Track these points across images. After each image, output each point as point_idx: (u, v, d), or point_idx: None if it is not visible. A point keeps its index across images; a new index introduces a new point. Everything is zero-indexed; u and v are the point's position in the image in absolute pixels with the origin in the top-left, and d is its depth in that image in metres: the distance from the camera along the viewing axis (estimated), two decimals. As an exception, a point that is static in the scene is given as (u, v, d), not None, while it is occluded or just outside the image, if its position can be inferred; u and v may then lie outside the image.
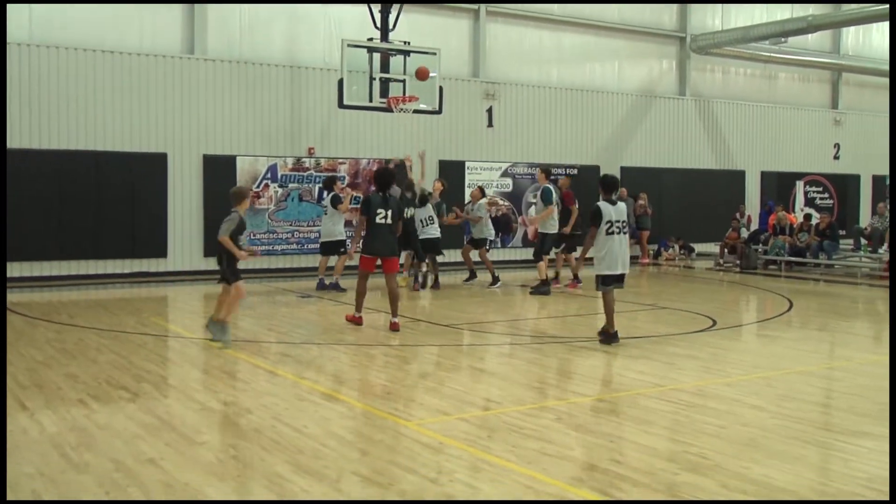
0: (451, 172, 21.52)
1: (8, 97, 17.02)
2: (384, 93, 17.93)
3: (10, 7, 17.12)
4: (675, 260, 24.55)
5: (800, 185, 28.11)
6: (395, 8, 18.53)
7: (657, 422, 7.39)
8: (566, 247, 17.41)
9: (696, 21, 26.34)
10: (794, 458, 6.34)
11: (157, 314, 14.22)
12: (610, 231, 10.80)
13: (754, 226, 25.18)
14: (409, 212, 15.98)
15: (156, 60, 18.61)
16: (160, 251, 18.73)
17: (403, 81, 18.01)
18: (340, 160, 20.51)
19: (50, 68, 17.56)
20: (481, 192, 18.41)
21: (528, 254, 18.66)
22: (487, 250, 17.99)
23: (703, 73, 26.96)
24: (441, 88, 18.52)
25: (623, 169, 23.86)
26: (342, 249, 16.34)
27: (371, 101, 17.91)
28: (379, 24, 18.44)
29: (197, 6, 19.11)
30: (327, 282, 16.51)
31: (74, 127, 17.83)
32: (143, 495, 5.48)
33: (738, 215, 24.53)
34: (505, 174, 22.85)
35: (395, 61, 18.05)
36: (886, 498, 5.52)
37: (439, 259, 17.49)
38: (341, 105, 17.86)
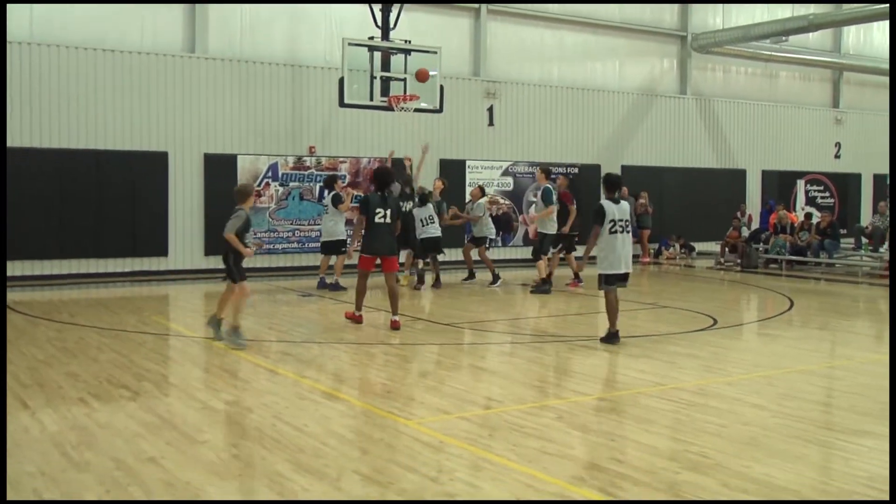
0: (452, 171, 21.52)
1: (9, 96, 17.02)
2: (385, 92, 17.94)
3: (11, 6, 17.13)
4: (675, 259, 24.54)
5: (801, 184, 28.09)
6: (395, 7, 18.55)
7: (658, 421, 7.39)
8: (564, 247, 17.38)
9: (697, 20, 26.33)
10: (796, 457, 6.34)
11: (157, 313, 14.22)
12: (613, 230, 10.77)
13: (755, 225, 25.17)
14: (406, 206, 16.08)
15: (157, 59, 18.61)
16: (161, 250, 18.73)
17: (404, 80, 18.03)
18: (341, 159, 20.50)
19: (51, 67, 17.56)
20: (481, 191, 18.40)
21: (528, 252, 18.64)
22: (487, 249, 17.99)
23: (704, 72, 26.94)
24: (442, 87, 18.52)
25: (624, 168, 23.85)
26: (343, 249, 16.34)
27: (372, 99, 17.92)
28: (380, 23, 18.45)
29: (198, 5, 19.09)
30: (328, 281, 16.51)
31: (75, 125, 17.83)
32: (143, 494, 5.48)
33: (738, 214, 24.51)
34: (506, 173, 22.84)
35: (396, 60, 18.06)
36: (887, 497, 5.52)
37: (440, 258, 17.48)
38: (342, 104, 17.86)
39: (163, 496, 5.45)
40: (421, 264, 17.15)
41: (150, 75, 18.49)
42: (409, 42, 18.27)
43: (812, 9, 26.18)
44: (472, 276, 17.92)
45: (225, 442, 6.65)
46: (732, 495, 5.54)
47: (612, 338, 10.85)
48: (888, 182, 26.79)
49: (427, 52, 18.33)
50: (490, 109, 22.57)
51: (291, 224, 19.95)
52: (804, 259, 21.85)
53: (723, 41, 25.65)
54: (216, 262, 18.83)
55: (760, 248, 22.79)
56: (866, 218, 27.46)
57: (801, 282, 19.68)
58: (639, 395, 8.43)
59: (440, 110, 18.89)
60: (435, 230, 16.72)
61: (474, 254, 18.00)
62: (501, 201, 22.76)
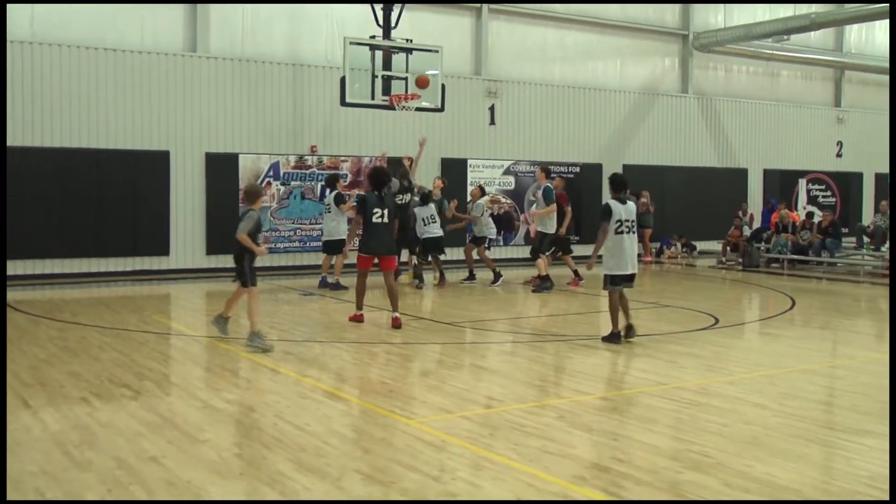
0: (453, 170, 21.52)
1: (10, 95, 17.04)
2: (386, 91, 17.94)
3: (12, 6, 17.14)
4: (677, 258, 24.52)
5: (802, 182, 28.07)
6: (397, 6, 18.54)
7: (660, 420, 7.39)
8: (559, 248, 17.36)
9: (698, 19, 26.31)
10: (797, 457, 6.33)
11: (159, 312, 14.22)
12: (619, 230, 10.76)
13: (757, 224, 25.16)
14: (405, 198, 16.15)
15: (158, 58, 18.61)
16: (162, 249, 18.73)
17: (406, 79, 18.02)
18: (343, 158, 20.50)
19: (52, 66, 17.56)
20: (481, 191, 18.41)
21: (529, 251, 18.64)
22: (487, 248, 17.99)
23: (705, 71, 26.93)
24: (443, 86, 18.51)
25: (625, 167, 23.81)
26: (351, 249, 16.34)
27: (373, 98, 17.91)
28: (381, 22, 18.46)
29: (199, 5, 19.09)
30: (330, 280, 16.51)
31: (77, 125, 17.83)
32: (145, 493, 5.48)
33: (740, 213, 24.49)
34: (507, 172, 22.84)
35: (398, 59, 18.06)
36: (889, 497, 5.52)
37: (441, 257, 17.47)
38: (343, 103, 17.86)
39: (164, 495, 5.45)
40: (415, 260, 17.18)
41: (151, 75, 18.49)
42: (411, 41, 18.27)
43: (814, 8, 26.17)
44: (472, 276, 17.90)
45: (226, 441, 6.65)
46: (734, 495, 5.54)
47: (614, 337, 10.84)
48: (889, 181, 26.80)
49: (428, 51, 18.33)
50: (491, 108, 22.56)
51: (293, 223, 19.94)
52: (806, 258, 21.84)
53: (724, 40, 25.63)
54: (217, 262, 19.06)
55: (762, 248, 22.78)
56: (868, 217, 27.44)
57: (803, 281, 19.67)
58: (640, 394, 8.43)
59: (441, 109, 18.89)
60: (436, 230, 16.73)
61: (475, 254, 18.00)
62: (503, 200, 22.76)
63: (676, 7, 26.08)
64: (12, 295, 15.29)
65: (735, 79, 27.64)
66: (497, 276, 17.46)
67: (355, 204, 13.90)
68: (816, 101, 29.29)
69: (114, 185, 18.08)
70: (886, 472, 5.90)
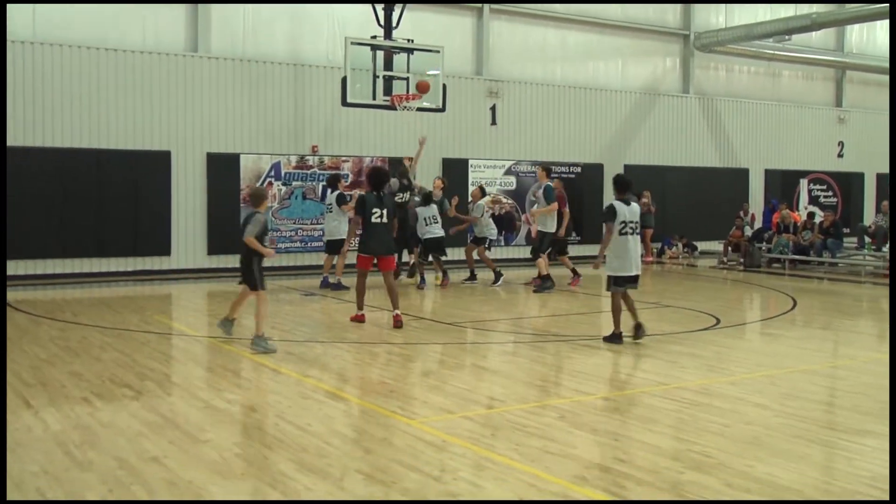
0: (455, 170, 21.53)
1: (12, 95, 17.05)
2: (387, 91, 17.94)
3: (14, 5, 17.15)
4: (678, 258, 24.52)
5: (804, 183, 28.06)
6: (398, 6, 18.55)
7: (661, 420, 7.39)
8: (556, 250, 17.37)
9: (699, 19, 26.31)
10: (798, 457, 6.33)
11: (160, 312, 14.22)
12: (623, 231, 10.74)
13: (758, 224, 25.13)
14: (404, 196, 16.23)
15: (159, 58, 18.62)
16: (164, 249, 18.73)
17: (407, 79, 18.02)
18: (344, 158, 20.51)
19: (53, 66, 17.57)
20: (481, 191, 18.40)
21: (531, 252, 18.65)
22: (487, 249, 18.00)
23: (706, 71, 26.93)
24: (444, 86, 18.52)
25: (627, 167, 23.81)
26: (351, 249, 16.34)
27: (374, 99, 17.92)
28: (382, 22, 18.46)
29: (200, 5, 19.10)
30: (331, 280, 16.51)
31: (78, 125, 17.84)
32: (146, 493, 5.48)
33: (741, 213, 24.48)
34: (508, 172, 22.84)
35: (399, 59, 18.07)
36: (889, 497, 5.52)
37: (441, 258, 17.47)
38: (345, 103, 17.86)
39: (165, 496, 5.45)
40: (413, 259, 17.21)
41: (152, 75, 18.50)
42: (412, 41, 18.27)
43: (815, 8, 26.15)
44: (473, 276, 17.91)
45: (228, 441, 6.65)
46: (735, 495, 5.54)
47: (615, 338, 10.84)
48: (889, 182, 26.79)
49: (430, 51, 18.34)
50: (493, 109, 22.56)
51: (294, 223, 19.94)
52: (807, 258, 21.83)
53: (725, 40, 25.63)
54: (219, 262, 19.08)
55: (763, 248, 22.77)
56: (869, 217, 27.43)
57: (804, 281, 19.66)
58: (642, 394, 8.43)
59: (443, 109, 18.89)
60: (438, 230, 16.75)
61: (475, 254, 18.00)
62: (504, 200, 22.76)
63: (677, 7, 26.09)
64: (14, 295, 15.30)
65: (736, 79, 27.64)
66: (498, 275, 17.47)
67: (346, 204, 13.93)
68: (818, 102, 29.29)
69: (115, 185, 18.08)
70: (887, 472, 5.90)
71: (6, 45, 16.53)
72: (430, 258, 17.18)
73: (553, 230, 16.59)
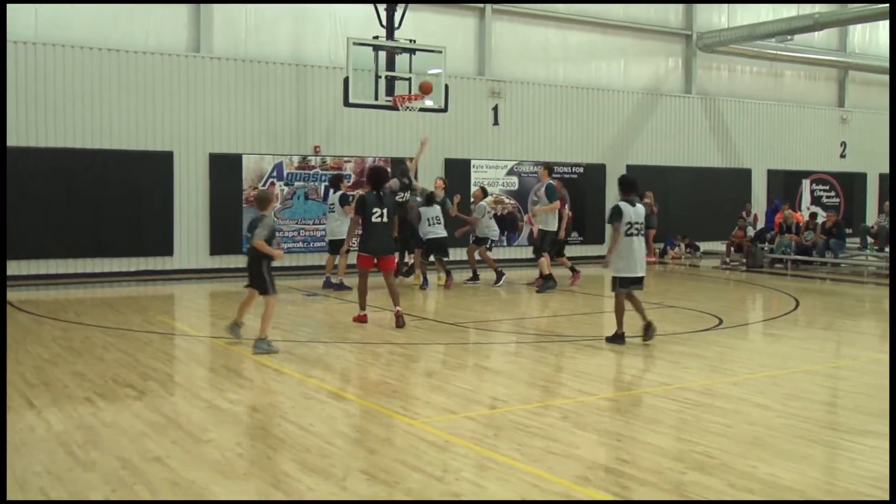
0: (457, 171, 21.55)
1: (14, 95, 17.08)
2: (390, 91, 17.94)
3: (16, 6, 17.18)
4: (681, 258, 24.51)
5: (806, 183, 28.04)
6: (400, 6, 18.55)
7: (663, 420, 7.39)
8: (555, 250, 17.39)
9: (702, 19, 26.30)
10: (801, 457, 6.33)
11: (163, 312, 14.23)
12: (629, 232, 10.73)
13: (760, 224, 25.12)
14: (404, 196, 16.32)
15: (162, 59, 18.63)
16: (166, 249, 18.74)
17: (409, 80, 18.02)
18: (346, 158, 20.51)
19: (56, 66, 17.58)
20: (483, 192, 18.41)
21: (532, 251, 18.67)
22: (488, 249, 18.00)
23: (709, 71, 26.92)
24: (447, 87, 18.52)
25: (629, 167, 23.81)
26: (351, 248, 16.33)
27: (377, 99, 17.91)
28: (385, 23, 18.46)
29: (203, 5, 19.11)
30: (334, 280, 16.52)
31: (80, 125, 17.85)
32: (149, 493, 5.48)
33: (744, 214, 24.45)
34: (511, 172, 22.84)
35: (401, 59, 18.06)
36: (889, 497, 5.51)
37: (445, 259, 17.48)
38: (347, 103, 17.86)
39: (168, 496, 5.46)
40: (413, 260, 17.23)
41: (154, 75, 18.51)
42: (414, 41, 18.27)
43: (817, 8, 26.14)
44: (475, 276, 17.91)
45: (230, 441, 6.65)
46: (738, 495, 5.54)
47: (618, 339, 10.83)
48: (889, 182, 26.76)
49: (432, 51, 18.33)
50: (495, 109, 22.56)
51: (296, 224, 19.96)
52: (809, 259, 21.82)
53: (728, 40, 25.62)
54: (221, 262, 19.11)
55: (766, 248, 22.76)
56: (872, 217, 27.40)
57: (807, 281, 19.65)
58: (644, 394, 8.43)
59: (445, 110, 18.89)
60: (441, 231, 16.77)
61: (477, 254, 18.01)
62: (506, 201, 22.76)
63: (680, 7, 26.08)
64: (17, 295, 15.32)
65: (738, 79, 27.63)
66: (499, 276, 17.48)
67: (349, 204, 13.92)
68: (820, 102, 29.28)
69: (118, 186, 18.10)
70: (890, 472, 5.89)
71: (6, 44, 16.54)
72: (432, 258, 17.18)
73: (554, 229, 16.60)
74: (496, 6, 22.65)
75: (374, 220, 12.10)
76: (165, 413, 7.45)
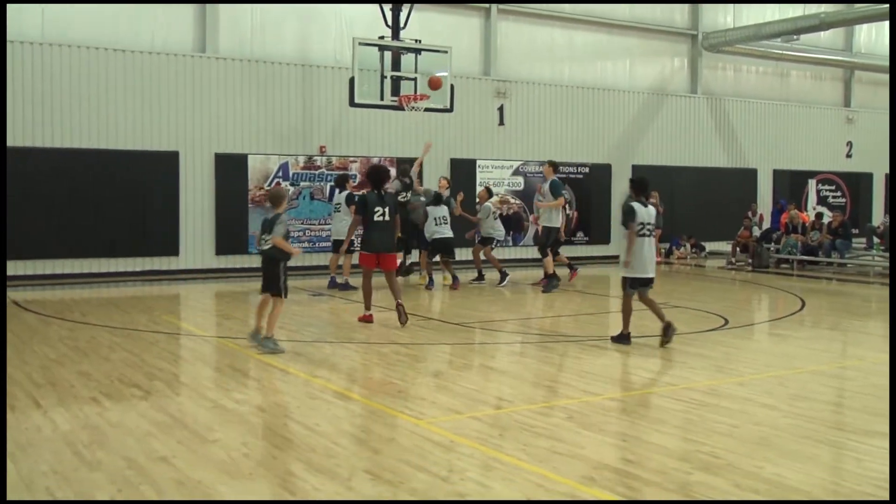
0: (462, 171, 21.56)
1: (20, 96, 17.13)
2: (395, 91, 17.95)
3: (22, 6, 17.22)
4: (686, 258, 24.49)
5: (812, 183, 27.99)
6: (406, 6, 18.56)
7: (669, 421, 7.38)
8: (554, 249, 17.41)
9: (707, 19, 26.27)
10: (807, 458, 6.32)
11: (169, 312, 14.26)
12: (641, 233, 10.70)
13: (766, 224, 25.09)
14: (406, 195, 16.42)
15: (167, 59, 18.66)
16: (172, 249, 18.77)
17: (415, 80, 18.03)
18: (352, 158, 20.52)
19: (62, 67, 17.62)
20: (488, 192, 18.41)
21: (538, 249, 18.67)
22: (492, 248, 18.00)
23: (714, 71, 26.88)
24: (452, 87, 18.51)
25: (635, 167, 23.81)
26: (352, 249, 16.36)
27: (382, 99, 17.93)
28: (390, 23, 18.47)
29: (209, 5, 19.14)
30: (339, 280, 16.53)
31: (86, 125, 17.88)
32: (155, 493, 5.49)
33: (750, 214, 24.43)
34: (516, 172, 22.83)
35: (407, 59, 18.07)
36: (889, 497, 5.50)
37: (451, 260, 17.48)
38: (352, 103, 17.88)
39: (174, 495, 5.46)
40: (420, 259, 17.23)
41: (160, 75, 18.54)
42: (420, 42, 18.28)
43: (823, 7, 26.10)
44: (480, 276, 17.91)
45: (236, 441, 6.65)
46: (743, 496, 5.53)
47: (623, 339, 10.83)
48: (889, 182, 26.73)
49: (437, 51, 18.34)
50: (500, 109, 22.56)
51: (302, 224, 19.96)
52: (815, 259, 21.78)
53: (733, 40, 25.59)
54: (227, 262, 19.13)
55: (772, 248, 22.73)
56: (878, 217, 27.35)
57: (813, 282, 19.62)
58: (650, 394, 8.43)
59: (451, 110, 18.89)
60: (447, 231, 16.77)
61: (482, 254, 18.01)
62: (512, 201, 22.75)
63: (685, 7, 26.05)
64: (23, 295, 15.37)
65: (744, 79, 27.59)
66: (503, 276, 17.47)
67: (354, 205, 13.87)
68: (826, 102, 29.22)
69: (123, 186, 18.13)
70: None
71: (6, 44, 16.55)
72: (438, 258, 17.17)
73: (558, 225, 16.61)
74: (502, 6, 22.65)
75: (376, 218, 12.13)
76: (171, 413, 7.46)
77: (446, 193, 17.40)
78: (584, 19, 24.07)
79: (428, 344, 11.04)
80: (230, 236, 19.18)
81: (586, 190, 23.73)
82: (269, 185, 19.37)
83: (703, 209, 25.51)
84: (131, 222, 18.25)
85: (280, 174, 19.70)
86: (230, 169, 19.16)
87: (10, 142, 16.79)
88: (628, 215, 10.70)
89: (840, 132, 29.14)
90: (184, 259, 18.93)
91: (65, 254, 17.72)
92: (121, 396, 8.05)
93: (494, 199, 18.46)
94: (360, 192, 13.54)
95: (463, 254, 19.14)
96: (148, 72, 18.41)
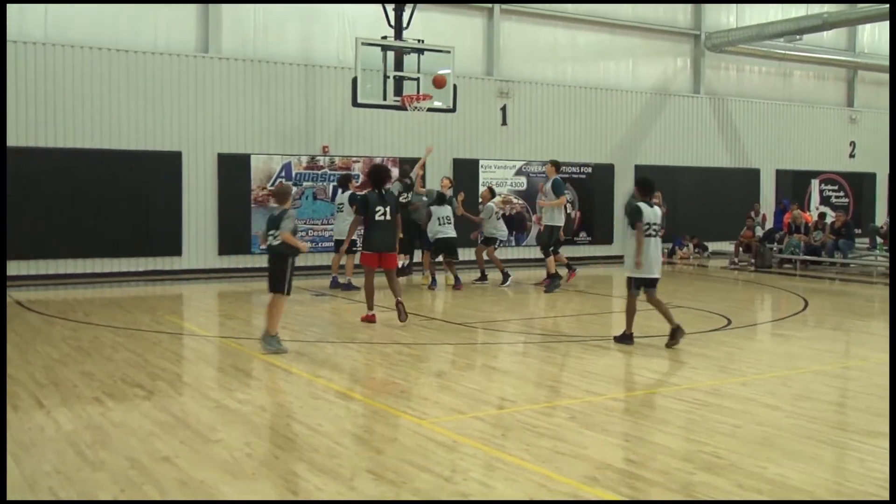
0: (465, 171, 21.56)
1: (24, 96, 17.16)
2: (398, 91, 17.96)
3: (25, 6, 17.24)
4: (689, 259, 24.48)
5: (815, 183, 27.97)
6: (409, 6, 18.56)
7: (672, 421, 7.38)
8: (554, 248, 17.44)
9: (710, 19, 26.25)
10: (810, 458, 6.32)
11: (171, 312, 14.26)
12: (647, 233, 10.71)
13: (769, 224, 25.06)
14: (407, 196, 16.49)
15: (170, 59, 18.67)
16: (175, 249, 18.78)
17: (417, 80, 18.04)
18: (354, 158, 20.52)
19: (65, 67, 17.63)
20: (491, 192, 18.40)
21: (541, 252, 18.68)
22: (495, 249, 18.00)
23: (717, 71, 26.87)
24: (455, 87, 18.51)
25: (637, 167, 23.82)
26: (355, 248, 16.36)
27: (385, 99, 17.94)
28: (393, 23, 18.47)
29: (211, 5, 19.14)
30: (341, 281, 16.53)
31: (89, 125, 17.89)
32: (158, 493, 5.50)
33: (752, 214, 24.41)
34: (519, 172, 22.82)
35: (409, 59, 18.09)
36: (889, 496, 5.50)
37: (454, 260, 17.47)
38: (355, 103, 17.88)
39: (177, 495, 5.47)
40: (403, 262, 17.25)
41: (163, 75, 18.55)
42: (423, 42, 18.28)
43: (826, 7, 26.07)
44: (483, 277, 17.91)
45: (239, 441, 6.66)
46: (746, 496, 5.53)
47: (626, 339, 10.83)
48: (889, 182, 26.70)
49: (440, 51, 18.34)
50: (503, 109, 22.56)
51: (305, 224, 19.95)
52: (818, 259, 21.77)
53: (736, 40, 25.57)
54: (230, 262, 19.14)
55: (774, 248, 22.71)
56: (881, 217, 27.33)
57: (816, 282, 19.60)
58: (652, 395, 8.42)
59: (453, 110, 18.89)
60: (450, 230, 16.77)
61: (484, 254, 18.01)
62: (515, 201, 22.75)
63: (688, 7, 26.03)
64: (26, 295, 15.38)
65: (747, 79, 27.57)
66: (506, 276, 17.47)
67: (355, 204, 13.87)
68: (829, 102, 29.20)
69: (126, 186, 18.13)
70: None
71: (6, 44, 16.55)
72: (441, 258, 17.18)
73: (561, 224, 16.60)
74: (504, 6, 22.64)
75: (377, 218, 12.16)
76: (174, 413, 7.46)
77: (449, 193, 17.41)
78: (587, 19, 24.06)
79: (430, 344, 11.04)
80: (233, 236, 19.19)
81: (589, 190, 23.73)
82: (272, 185, 19.36)
83: (705, 209, 25.48)
84: (134, 222, 18.26)
85: (283, 174, 19.70)
86: (233, 169, 19.17)
87: (13, 142, 16.82)
88: (636, 215, 10.70)
89: (843, 132, 29.12)
90: (187, 259, 18.94)
91: (68, 254, 17.74)
92: (124, 396, 8.06)
93: (497, 199, 18.44)
94: (362, 192, 13.54)
95: (466, 254, 19.14)
96: (151, 72, 18.42)
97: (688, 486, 5.68)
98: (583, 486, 5.67)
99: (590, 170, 23.75)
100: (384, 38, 18.13)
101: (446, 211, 16.81)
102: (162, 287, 17.65)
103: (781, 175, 27.67)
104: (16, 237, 16.22)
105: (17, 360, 9.56)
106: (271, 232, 10.08)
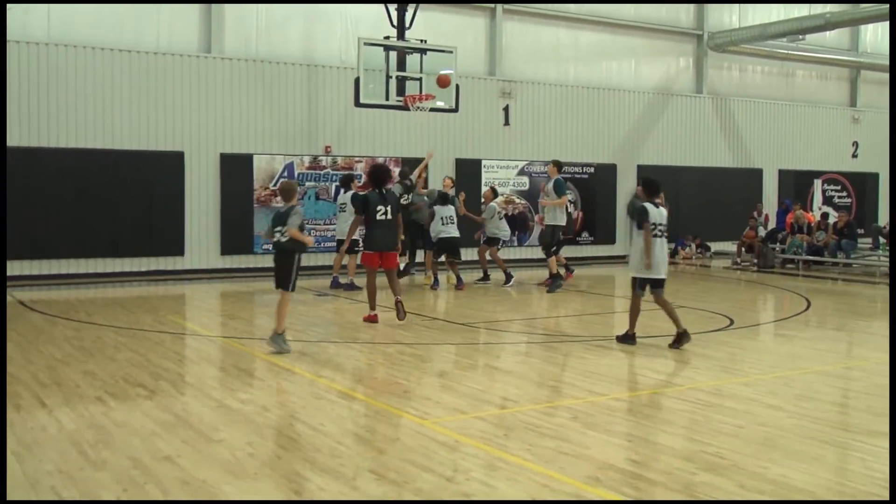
0: (468, 171, 21.55)
1: (27, 96, 17.17)
2: (401, 91, 17.95)
3: (28, 7, 17.26)
4: (692, 259, 24.46)
5: (818, 183, 27.91)
6: (411, 6, 18.56)
7: (674, 421, 7.38)
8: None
9: (713, 19, 26.24)
10: (812, 458, 6.31)
11: (174, 312, 14.27)
12: (653, 233, 10.70)
13: (772, 224, 25.04)
14: (408, 197, 16.42)
15: (173, 59, 18.68)
16: (177, 249, 18.78)
17: (420, 80, 18.03)
18: (357, 158, 20.52)
19: (68, 67, 17.64)
20: (493, 192, 18.40)
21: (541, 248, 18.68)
22: (498, 249, 18.00)
23: (720, 71, 26.85)
24: (457, 87, 18.51)
25: (640, 167, 23.81)
26: (356, 248, 16.36)
27: (387, 99, 17.93)
28: (395, 23, 18.47)
29: (214, 5, 19.16)
30: (342, 280, 16.53)
31: (92, 125, 17.90)
32: (160, 493, 5.50)
33: (755, 214, 24.38)
34: (521, 172, 22.82)
35: (412, 60, 18.07)
36: (889, 496, 5.50)
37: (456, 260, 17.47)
38: (358, 103, 17.88)
39: (179, 495, 5.47)
40: (404, 263, 17.25)
41: (166, 75, 18.56)
42: (425, 41, 18.27)
43: (829, 7, 26.03)
44: (486, 277, 17.91)
45: (241, 441, 6.66)
46: (749, 496, 5.52)
47: (628, 339, 10.82)
48: (889, 182, 26.66)
49: (443, 51, 18.33)
50: (506, 109, 22.55)
51: (307, 224, 19.90)
52: (821, 259, 21.75)
53: (739, 40, 25.56)
54: (232, 262, 19.14)
55: (777, 248, 22.69)
56: (884, 217, 27.28)
57: (818, 282, 19.59)
58: (655, 395, 8.42)
59: (456, 110, 18.89)
60: (453, 230, 16.78)
61: (487, 254, 18.01)
62: (517, 201, 22.75)
63: (691, 7, 26.02)
64: (29, 295, 15.40)
65: (750, 79, 27.55)
66: (508, 276, 17.46)
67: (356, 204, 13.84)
68: (832, 101, 29.17)
69: (129, 186, 18.15)
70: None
71: (6, 44, 16.56)
72: (444, 258, 17.17)
73: (563, 223, 16.60)
74: (507, 6, 22.64)
75: (378, 217, 12.18)
76: (176, 413, 7.47)
77: (451, 193, 17.41)
78: (590, 19, 24.06)
79: (433, 344, 11.04)
80: (235, 236, 19.19)
81: (591, 190, 23.72)
82: (275, 185, 19.36)
83: (708, 209, 25.46)
84: (137, 222, 18.27)
85: (285, 174, 19.70)
86: (235, 169, 19.18)
87: (16, 142, 16.84)
88: (643, 215, 10.69)
89: (846, 132, 29.09)
90: (189, 259, 18.94)
91: (70, 254, 17.75)
92: (126, 396, 8.06)
93: (500, 199, 18.43)
94: (363, 192, 13.53)
95: (468, 254, 19.15)
96: (153, 72, 18.43)
97: (690, 486, 5.68)
98: (585, 486, 5.67)
99: (592, 170, 23.74)
100: (387, 38, 18.12)
101: (450, 211, 16.82)
102: (164, 287, 17.65)
103: (784, 175, 27.64)
104: (19, 237, 16.25)
105: (20, 359, 9.57)
106: (278, 228, 10.07)
